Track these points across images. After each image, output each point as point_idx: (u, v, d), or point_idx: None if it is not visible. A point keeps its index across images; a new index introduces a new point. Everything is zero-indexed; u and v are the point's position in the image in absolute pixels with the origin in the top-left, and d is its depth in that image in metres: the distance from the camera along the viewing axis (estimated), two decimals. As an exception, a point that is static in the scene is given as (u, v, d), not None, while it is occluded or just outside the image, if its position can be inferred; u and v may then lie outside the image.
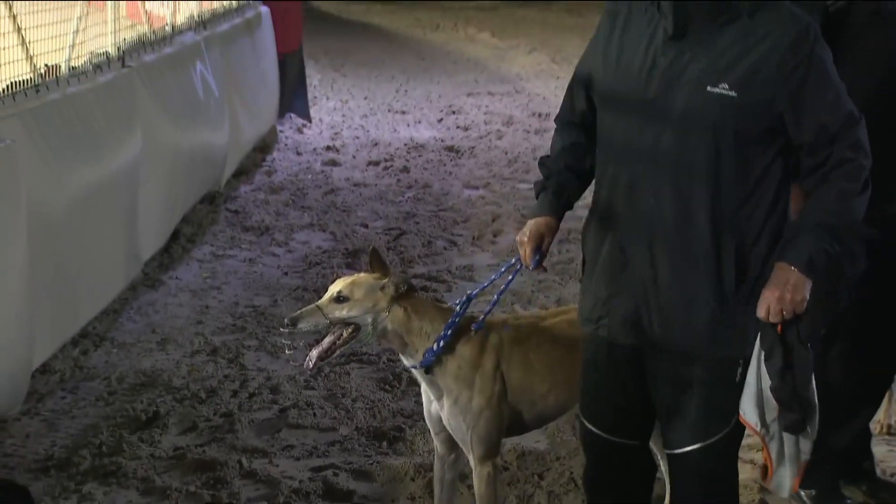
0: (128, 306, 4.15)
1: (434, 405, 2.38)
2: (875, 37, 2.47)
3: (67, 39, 3.96)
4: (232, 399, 3.40)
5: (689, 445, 2.00)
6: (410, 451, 3.05)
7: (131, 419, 3.23)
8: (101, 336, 3.86)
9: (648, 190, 1.93)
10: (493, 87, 9.40)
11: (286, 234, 5.19)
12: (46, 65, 3.69)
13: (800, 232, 1.88)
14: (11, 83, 3.36)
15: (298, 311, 2.31)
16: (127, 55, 4.42)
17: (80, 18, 4.06)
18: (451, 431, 2.36)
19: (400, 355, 2.39)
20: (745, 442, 2.11)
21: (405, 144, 7.14)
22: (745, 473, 2.64)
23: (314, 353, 2.30)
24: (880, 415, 3.06)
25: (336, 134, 7.48)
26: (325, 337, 2.30)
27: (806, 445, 1.93)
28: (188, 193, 5.10)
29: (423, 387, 2.39)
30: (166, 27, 5.19)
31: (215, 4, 6.27)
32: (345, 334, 2.29)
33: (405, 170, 6.47)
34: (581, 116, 2.09)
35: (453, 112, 8.30)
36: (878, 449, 2.93)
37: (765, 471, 1.97)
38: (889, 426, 3.12)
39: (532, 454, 2.99)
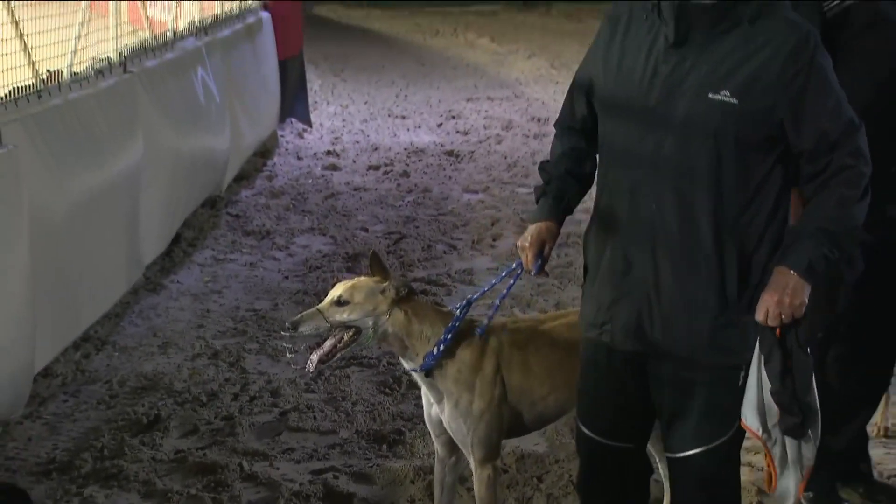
0: (129, 310, 4.17)
1: (434, 408, 2.39)
2: (873, 41, 2.48)
3: (69, 45, 3.98)
4: (233, 402, 3.41)
5: (691, 449, 2.00)
6: (410, 454, 3.07)
7: (133, 422, 3.24)
8: (102, 340, 3.88)
9: (650, 196, 1.93)
10: (492, 92, 9.43)
11: (287, 239, 5.21)
12: (48, 70, 3.71)
13: (800, 237, 1.89)
14: (14, 88, 3.38)
15: (299, 315, 2.33)
16: (128, 61, 4.44)
17: (81, 24, 4.08)
18: (451, 434, 2.38)
19: (400, 358, 2.40)
20: (743, 444, 2.11)
21: (405, 149, 7.17)
22: (744, 476, 2.65)
23: (315, 356, 2.31)
24: (877, 417, 3.07)
25: (336, 139, 7.51)
26: (325, 340, 2.31)
27: (808, 451, 1.93)
28: (189, 198, 5.12)
29: (424, 390, 2.40)
30: (168, 33, 5.21)
31: (217, 10, 6.30)
32: (346, 337, 2.31)
33: (405, 174, 6.49)
34: (581, 122, 2.10)
35: (453, 117, 8.33)
36: (875, 451, 2.94)
37: (769, 478, 1.97)
38: (886, 429, 3.14)
39: (531, 457, 3.01)
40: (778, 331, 1.88)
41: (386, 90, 9.49)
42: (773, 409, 1.91)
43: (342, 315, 2.29)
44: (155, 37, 4.97)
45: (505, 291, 2.28)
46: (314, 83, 9.34)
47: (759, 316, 1.88)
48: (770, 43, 1.89)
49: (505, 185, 6.24)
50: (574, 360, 2.29)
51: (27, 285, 3.13)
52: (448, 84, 9.84)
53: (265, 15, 7.17)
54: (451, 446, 2.43)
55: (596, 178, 2.10)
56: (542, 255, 2.06)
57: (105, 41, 4.38)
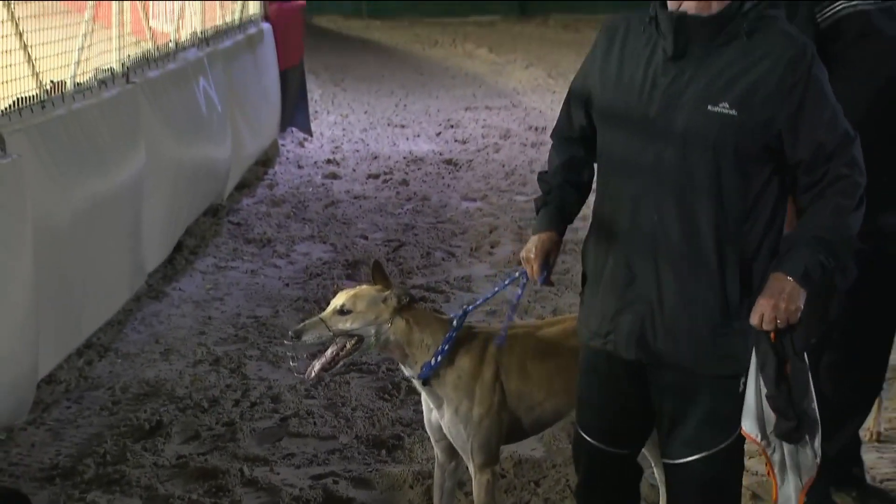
0: (132, 317, 4.20)
1: (434, 414, 2.42)
2: (864, 51, 2.51)
3: (73, 56, 4.02)
4: (234, 408, 3.44)
5: (691, 456, 2.02)
6: (409, 459, 3.09)
7: (135, 428, 3.27)
8: (105, 346, 3.91)
9: (652, 207, 1.95)
10: (490, 101, 9.47)
11: (287, 246, 5.24)
12: (52, 81, 3.75)
13: (796, 244, 1.91)
14: (18, 99, 3.41)
15: (302, 324, 2.35)
16: (131, 71, 4.48)
17: (85, 35, 4.13)
18: (451, 440, 2.40)
19: (400, 365, 2.43)
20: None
21: (404, 158, 7.21)
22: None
23: (317, 364, 2.33)
24: (870, 422, 3.10)
25: (336, 147, 7.55)
26: (327, 348, 2.33)
27: (807, 457, 1.95)
28: (191, 206, 5.15)
29: (423, 396, 2.43)
30: (170, 44, 5.26)
31: (218, 21, 6.35)
32: (348, 346, 2.33)
33: (404, 182, 6.54)
34: (580, 131, 2.12)
35: (451, 126, 8.37)
36: (868, 456, 2.97)
37: (771, 487, 1.98)
38: (878, 433, 3.16)
39: (529, 462, 3.03)
40: (773, 335, 1.91)
41: (385, 100, 9.54)
42: (771, 415, 1.93)
43: (345, 324, 2.32)
44: (157, 48, 5.01)
45: (515, 302, 2.28)
46: (315, 93, 9.39)
47: (754, 320, 1.91)
48: (768, 56, 1.91)
49: (503, 193, 6.28)
50: (571, 365, 2.32)
51: (31, 293, 3.16)
52: (447, 93, 9.89)
53: (266, 26, 7.22)
54: (451, 451, 2.45)
55: (594, 186, 2.12)
56: (547, 266, 2.09)
57: (108, 52, 4.42)
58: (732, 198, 1.93)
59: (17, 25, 3.52)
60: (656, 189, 1.95)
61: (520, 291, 2.25)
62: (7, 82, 3.44)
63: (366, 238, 5.39)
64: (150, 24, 5.14)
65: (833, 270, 1.92)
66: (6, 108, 3.33)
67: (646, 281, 1.98)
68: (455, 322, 2.37)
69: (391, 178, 6.62)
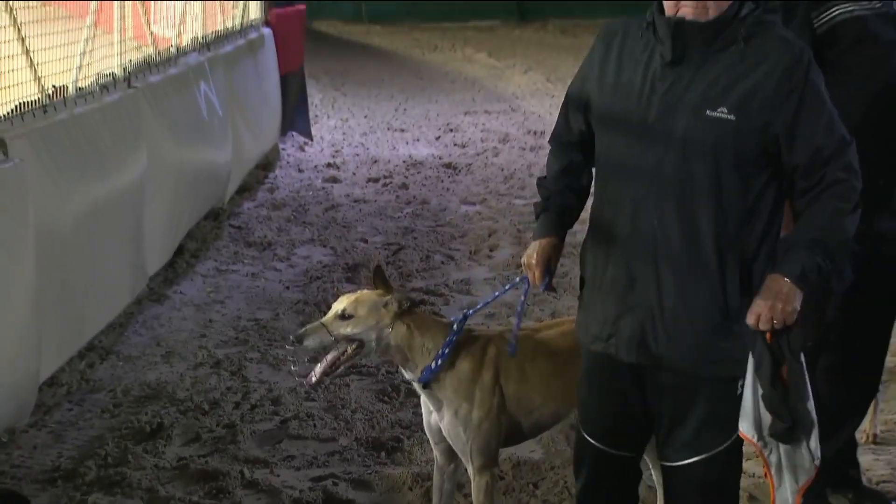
0: (133, 320, 4.22)
1: (433, 416, 2.43)
2: (861, 57, 2.52)
3: (75, 61, 4.04)
4: (234, 410, 3.46)
5: (690, 458, 2.03)
6: (408, 461, 3.11)
7: (136, 431, 3.29)
8: (107, 349, 3.92)
9: (652, 211, 1.96)
10: (489, 105, 9.50)
11: (288, 250, 5.26)
12: (54, 86, 3.77)
13: (794, 246, 1.93)
14: (20, 104, 3.43)
15: (304, 329, 2.35)
16: (133, 76, 4.50)
17: (87, 40, 4.15)
18: (450, 442, 2.41)
19: (400, 369, 2.44)
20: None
21: (404, 161, 7.23)
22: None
23: (318, 369, 2.34)
24: (866, 424, 3.11)
25: (337, 151, 7.57)
26: (328, 353, 2.34)
27: (803, 458, 1.95)
28: (192, 210, 5.17)
29: (423, 398, 2.44)
30: (171, 49, 5.29)
31: (219, 26, 6.38)
32: (349, 350, 2.34)
33: (404, 186, 6.56)
34: (579, 136, 2.12)
35: (451, 130, 8.40)
36: (864, 458, 2.99)
37: (769, 489, 1.99)
38: (874, 435, 3.18)
39: (527, 464, 3.05)
40: (769, 335, 1.92)
41: (385, 104, 9.57)
42: (768, 416, 1.94)
43: (346, 329, 2.33)
44: (158, 53, 5.04)
45: (520, 309, 2.29)
46: (315, 97, 9.41)
47: (751, 320, 1.92)
48: (765, 61, 1.93)
49: (502, 197, 6.30)
50: (569, 367, 2.34)
51: (32, 296, 3.18)
52: (446, 98, 9.92)
53: (267, 31, 7.25)
54: (450, 454, 2.46)
55: (592, 189, 2.13)
56: (548, 272, 2.10)
57: (109, 57, 4.44)
58: (732, 201, 1.94)
59: (19, 30, 3.55)
60: (656, 193, 1.96)
61: (523, 298, 2.26)
62: (9, 87, 3.46)
63: (366, 241, 5.41)
64: (152, 29, 5.16)
65: (830, 273, 1.93)
66: (8, 113, 3.35)
67: (646, 284, 1.99)
68: (455, 326, 2.38)
69: (391, 182, 6.64)
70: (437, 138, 8.11)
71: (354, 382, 3.64)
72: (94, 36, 4.25)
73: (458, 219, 5.86)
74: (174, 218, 4.81)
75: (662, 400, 2.05)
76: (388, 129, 8.46)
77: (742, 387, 1.98)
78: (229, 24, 6.63)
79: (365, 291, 2.40)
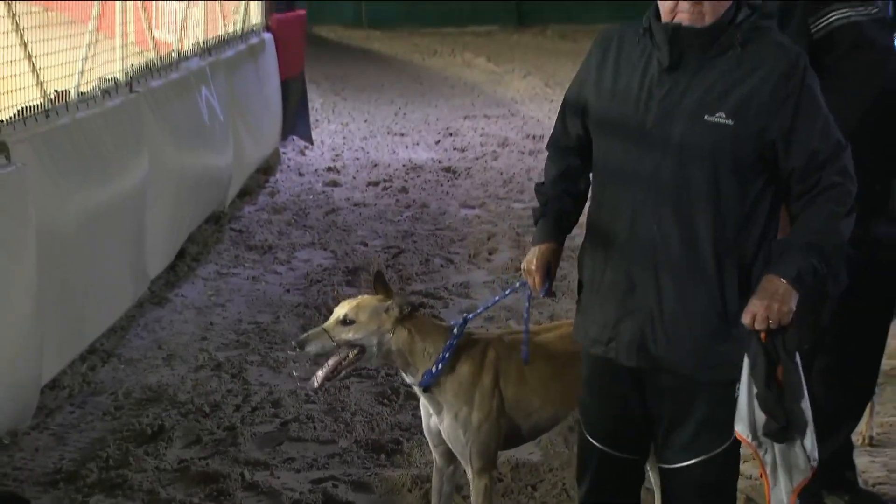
0: (135, 323, 4.24)
1: (433, 419, 2.44)
2: (857, 62, 2.54)
3: (76, 66, 4.06)
4: (235, 413, 3.47)
5: (688, 460, 2.04)
6: (408, 464, 3.12)
7: (137, 433, 3.30)
8: (108, 352, 3.94)
9: (651, 216, 1.97)
10: (488, 110, 9.53)
11: (288, 253, 5.28)
12: (56, 90, 3.79)
13: (789, 249, 1.94)
14: (22, 108, 3.45)
15: (306, 335, 2.36)
16: (134, 81, 4.52)
17: (88, 45, 4.18)
18: (450, 445, 2.43)
19: (401, 372, 2.45)
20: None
21: (404, 165, 7.26)
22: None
23: (320, 373, 2.35)
24: (862, 426, 3.12)
25: (337, 155, 7.60)
26: (329, 358, 2.35)
27: (798, 458, 1.97)
28: (193, 214, 5.19)
29: (422, 401, 2.46)
30: (173, 54, 5.31)
31: (220, 31, 6.41)
32: (350, 356, 2.35)
33: (404, 190, 6.58)
34: (576, 141, 2.13)
35: (450, 134, 8.43)
36: (860, 460, 3.00)
37: (763, 489, 2.00)
38: (871, 437, 3.19)
39: (526, 466, 3.06)
40: (763, 335, 1.93)
41: (385, 108, 9.60)
42: (762, 416, 1.95)
43: (347, 334, 2.34)
44: (160, 57, 5.07)
45: (526, 316, 2.30)
46: (315, 102, 9.45)
47: (746, 319, 1.93)
48: (762, 66, 1.94)
49: (501, 201, 6.32)
50: (568, 370, 2.35)
51: (34, 299, 3.20)
52: (445, 102, 9.95)
53: (268, 36, 7.29)
54: (449, 456, 2.47)
55: (590, 194, 2.15)
56: (548, 277, 2.11)
57: (111, 62, 4.46)
58: (730, 205, 1.96)
59: (21, 35, 3.57)
60: (654, 198, 1.97)
61: (527, 304, 2.27)
62: (11, 92, 3.48)
63: (366, 245, 5.43)
64: (153, 34, 5.19)
65: (825, 275, 1.95)
66: (11, 118, 3.37)
67: (645, 289, 2.00)
68: (456, 330, 2.40)
69: (391, 186, 6.66)
70: (437, 142, 8.14)
71: (354, 385, 3.66)
72: (96, 41, 4.27)
73: (458, 222, 5.88)
74: (175, 222, 4.83)
75: (662, 402, 2.06)
76: (388, 133, 8.49)
77: (739, 389, 1.99)
78: (230, 29, 6.66)
79: (366, 297, 2.41)
